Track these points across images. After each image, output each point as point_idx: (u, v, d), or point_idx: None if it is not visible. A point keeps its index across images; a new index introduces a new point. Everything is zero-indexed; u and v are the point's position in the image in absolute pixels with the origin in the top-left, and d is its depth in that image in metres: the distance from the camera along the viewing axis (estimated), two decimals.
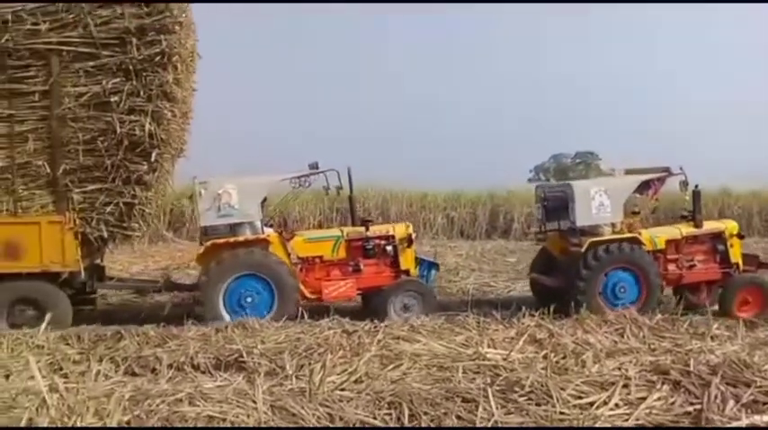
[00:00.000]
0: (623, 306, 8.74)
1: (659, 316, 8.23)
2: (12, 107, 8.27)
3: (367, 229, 9.43)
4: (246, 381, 5.81)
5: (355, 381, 5.78)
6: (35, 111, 8.32)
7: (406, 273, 9.42)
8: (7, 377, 5.95)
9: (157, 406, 5.02)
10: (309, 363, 6.17)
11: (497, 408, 4.98)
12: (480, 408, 4.99)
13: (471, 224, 25.49)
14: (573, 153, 38.87)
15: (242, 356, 6.44)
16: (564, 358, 6.46)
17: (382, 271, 9.47)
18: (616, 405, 5.10)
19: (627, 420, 4.92)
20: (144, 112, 8.26)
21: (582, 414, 4.98)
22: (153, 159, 8.43)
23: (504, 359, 6.35)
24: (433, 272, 9.80)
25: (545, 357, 6.46)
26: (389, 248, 9.43)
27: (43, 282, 8.46)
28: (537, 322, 7.85)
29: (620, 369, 5.94)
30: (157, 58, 8.18)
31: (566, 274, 9.27)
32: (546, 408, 5.02)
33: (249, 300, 8.72)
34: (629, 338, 7.39)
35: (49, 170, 8.36)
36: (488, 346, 6.89)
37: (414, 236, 9.56)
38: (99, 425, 4.76)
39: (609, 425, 4.87)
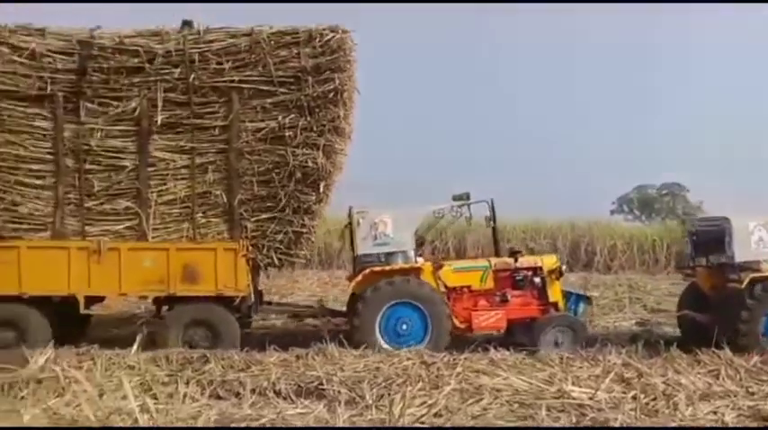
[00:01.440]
0: None
1: (757, 357, 7.92)
2: (194, 140, 8.97)
3: (516, 260, 9.66)
4: (327, 410, 5.97)
5: (435, 415, 5.84)
6: (215, 144, 9.00)
7: (555, 305, 9.53)
8: (101, 396, 6.19)
9: None
10: (389, 394, 6.25)
11: None
12: None
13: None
14: (658, 184, 38.56)
15: (322, 384, 6.62)
16: (654, 400, 6.27)
17: (529, 302, 9.61)
18: None
19: None
20: (316, 146, 8.82)
21: None
22: (321, 190, 8.97)
23: (591, 398, 6.22)
24: (582, 305, 9.84)
25: (634, 398, 6.26)
26: (537, 280, 9.60)
27: (217, 306, 9.01)
28: (624, 360, 7.72)
29: (715, 413, 5.82)
30: (330, 95, 8.76)
31: (720, 311, 9.21)
32: None
33: (404, 327, 9.04)
34: (725, 380, 7.17)
35: (225, 200, 9.00)
36: (573, 384, 6.77)
37: (564, 268, 9.72)
38: None
39: None
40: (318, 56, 8.76)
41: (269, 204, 9.04)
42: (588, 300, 10.06)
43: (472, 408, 6.02)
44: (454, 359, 7.68)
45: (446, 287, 9.51)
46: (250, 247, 8.99)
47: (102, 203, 8.94)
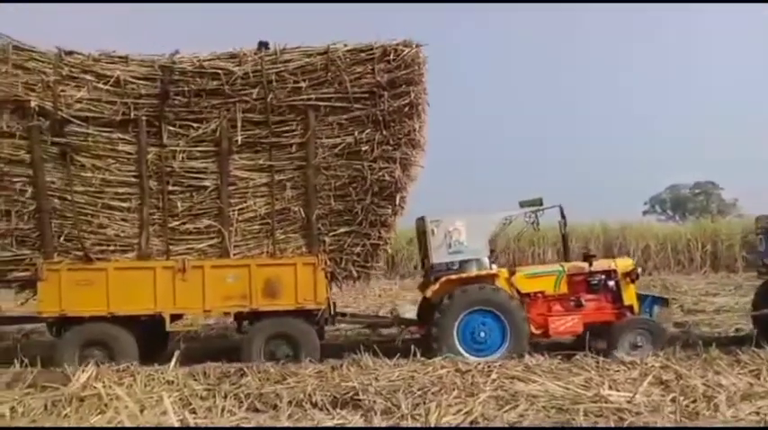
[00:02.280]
0: None
1: None
2: (272, 158, 9.07)
3: (590, 264, 9.61)
4: (363, 420, 5.93)
5: (471, 423, 5.73)
6: (292, 161, 9.08)
7: (630, 308, 9.44)
8: (142, 411, 6.16)
9: None
10: (424, 403, 6.14)
11: None
12: None
13: None
14: (691, 183, 38.19)
15: (357, 394, 6.51)
16: (694, 402, 6.13)
17: (604, 306, 9.54)
18: None
19: None
20: (392, 160, 8.89)
21: None
22: (398, 202, 9.04)
23: (629, 402, 6.09)
24: (657, 307, 9.70)
25: (673, 400, 6.12)
26: (611, 283, 9.54)
27: (297, 319, 9.11)
28: (662, 363, 7.57)
29: (757, 413, 5.69)
30: (406, 109, 8.84)
31: None
32: None
33: (482, 335, 9.02)
34: (766, 380, 6.99)
35: (303, 215, 9.08)
36: (610, 388, 6.63)
37: (639, 270, 9.65)
38: None
39: None
40: (393, 70, 8.83)
41: (346, 218, 9.11)
42: (665, 302, 9.95)
43: (508, 415, 5.92)
44: (489, 366, 7.64)
45: (519, 293, 9.47)
46: (328, 261, 9.09)
47: (184, 223, 9.06)
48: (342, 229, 9.12)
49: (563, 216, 9.91)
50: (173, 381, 7.26)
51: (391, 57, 8.82)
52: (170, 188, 9.03)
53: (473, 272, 9.34)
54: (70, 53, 8.81)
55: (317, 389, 6.80)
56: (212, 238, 9.11)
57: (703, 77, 61.01)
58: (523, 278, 9.61)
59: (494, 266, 9.66)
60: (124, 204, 9.02)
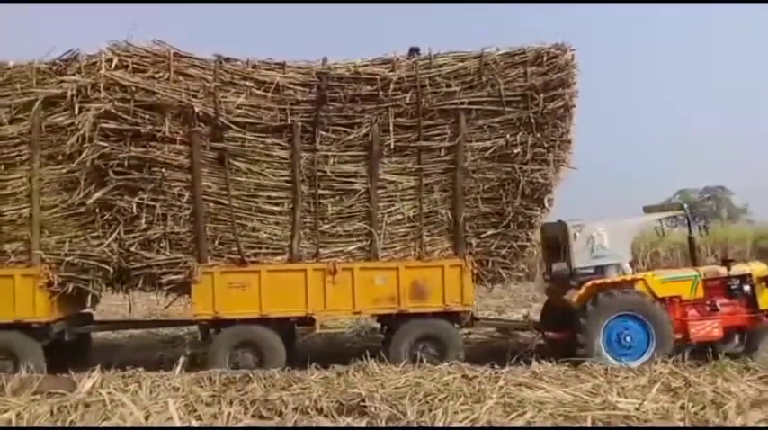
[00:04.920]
0: None
1: None
2: (420, 162, 8.42)
3: (729, 269, 8.93)
4: (369, 427, 5.58)
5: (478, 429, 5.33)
6: (440, 164, 8.42)
7: (765, 313, 8.77)
8: (147, 418, 5.79)
9: None
10: (430, 409, 5.77)
11: None
12: None
13: None
14: (701, 188, 37.70)
15: (363, 401, 6.11)
16: (703, 409, 5.81)
17: (738, 311, 8.85)
18: None
19: None
20: (546, 162, 8.26)
21: None
22: (546, 204, 8.57)
23: (637, 409, 5.74)
24: None
25: (682, 407, 5.80)
26: (747, 288, 8.87)
27: (443, 321, 8.46)
28: (671, 369, 7.18)
29: (767, 421, 5.22)
30: (560, 111, 8.22)
31: None
32: None
33: (628, 339, 8.35)
34: None
35: (450, 218, 8.43)
36: (618, 395, 6.27)
37: None
38: None
39: None
40: (547, 73, 8.20)
41: (493, 220, 8.44)
42: None
43: (516, 422, 5.51)
44: (496, 372, 7.12)
45: (654, 297, 8.74)
46: (474, 263, 8.53)
47: (334, 226, 8.41)
48: (489, 232, 8.47)
49: (688, 221, 9.50)
50: (178, 388, 6.73)
51: (544, 60, 8.29)
52: (321, 192, 8.36)
53: (615, 276, 8.70)
54: (228, 60, 8.27)
55: (323, 395, 6.34)
56: (361, 241, 8.46)
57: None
58: (659, 282, 8.84)
59: (633, 271, 9.15)
60: (277, 208, 8.37)
